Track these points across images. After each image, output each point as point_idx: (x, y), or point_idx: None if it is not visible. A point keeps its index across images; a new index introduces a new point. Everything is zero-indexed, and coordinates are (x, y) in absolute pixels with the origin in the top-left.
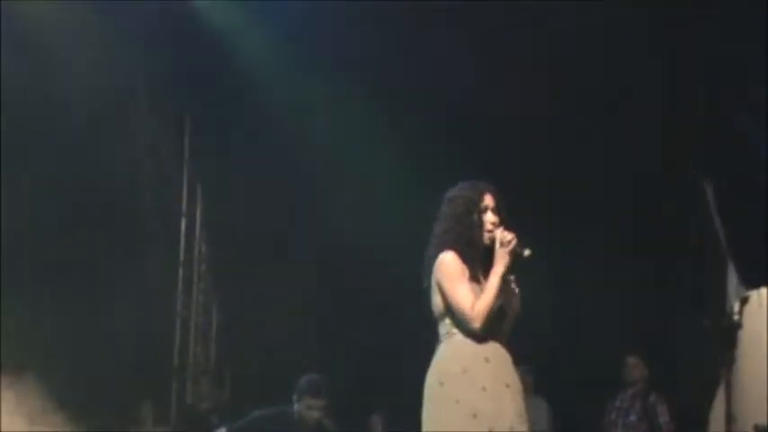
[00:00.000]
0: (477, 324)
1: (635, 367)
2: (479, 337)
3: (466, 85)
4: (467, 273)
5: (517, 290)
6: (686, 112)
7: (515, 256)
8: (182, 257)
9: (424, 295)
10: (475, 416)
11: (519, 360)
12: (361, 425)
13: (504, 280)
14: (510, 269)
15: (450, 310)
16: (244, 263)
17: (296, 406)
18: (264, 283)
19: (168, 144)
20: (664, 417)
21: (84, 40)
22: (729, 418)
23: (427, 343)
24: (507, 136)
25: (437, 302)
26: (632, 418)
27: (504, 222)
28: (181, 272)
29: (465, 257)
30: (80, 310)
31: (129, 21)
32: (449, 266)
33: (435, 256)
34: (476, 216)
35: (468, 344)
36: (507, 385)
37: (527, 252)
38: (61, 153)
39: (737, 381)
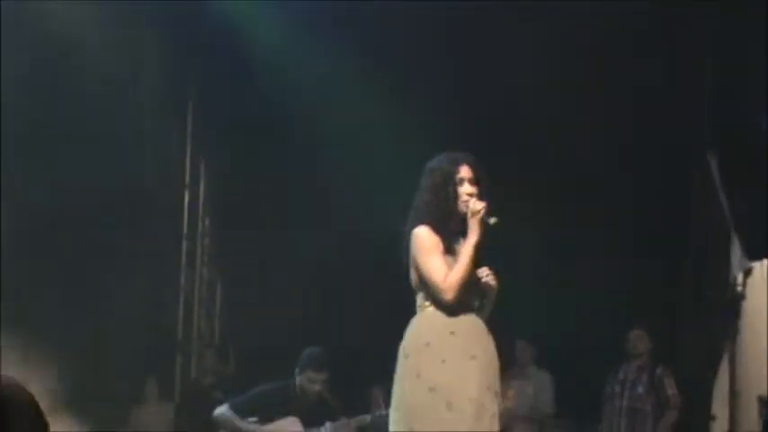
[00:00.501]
0: (449, 295)
1: (639, 339)
2: (450, 309)
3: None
4: (441, 245)
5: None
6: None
7: (485, 225)
8: (185, 231)
9: None
10: (432, 389)
11: (519, 332)
12: (362, 397)
13: (482, 256)
14: (484, 239)
15: (424, 284)
16: (247, 237)
17: (297, 379)
18: (268, 256)
19: (172, 119)
20: (671, 389)
21: (89, 22)
22: (733, 391)
23: None
24: (513, 132)
25: (413, 276)
26: (639, 390)
27: (485, 193)
28: (184, 246)
29: (440, 230)
30: (84, 286)
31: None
32: (422, 240)
33: (411, 231)
34: (451, 188)
35: (437, 316)
36: (473, 357)
37: (492, 220)
38: (65, 130)
39: (741, 353)
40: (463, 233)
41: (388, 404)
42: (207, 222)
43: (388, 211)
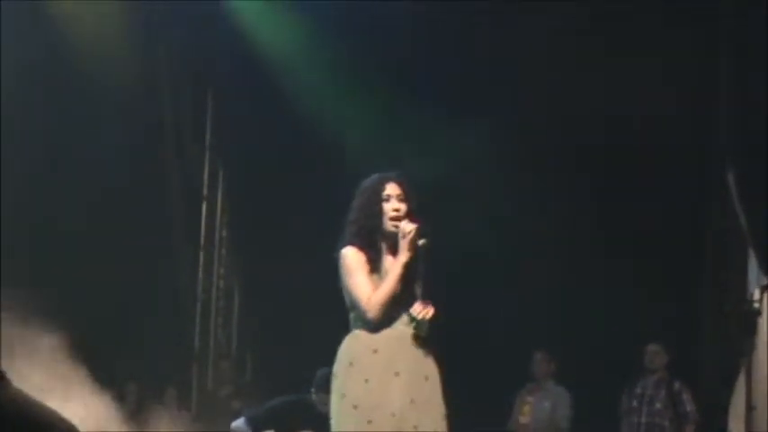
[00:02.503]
0: (371, 314)
1: (656, 354)
2: (375, 327)
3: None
4: (367, 265)
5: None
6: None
7: (415, 246)
8: (202, 242)
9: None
10: (355, 407)
11: (538, 346)
12: None
13: (413, 269)
14: (414, 259)
15: (353, 306)
16: (265, 247)
17: (313, 397)
18: (285, 267)
19: (190, 130)
20: (690, 405)
21: (106, 27)
22: (750, 405)
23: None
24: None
25: (346, 296)
26: (658, 405)
27: (414, 210)
28: (202, 256)
29: (366, 249)
30: (100, 296)
31: (153, 6)
32: (347, 261)
33: (339, 252)
34: (377, 205)
35: (361, 336)
36: (397, 374)
37: (421, 242)
38: (82, 141)
39: (757, 368)
40: (393, 251)
41: None
42: (224, 233)
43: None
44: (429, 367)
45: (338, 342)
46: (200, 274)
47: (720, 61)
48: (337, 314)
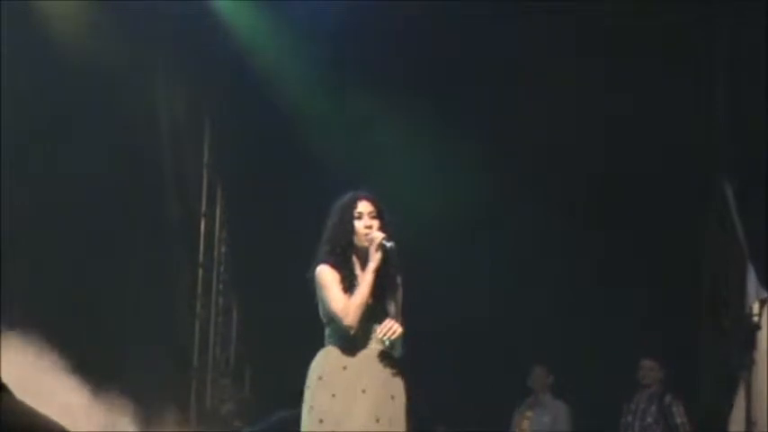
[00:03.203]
0: (349, 319)
1: (650, 369)
2: (349, 342)
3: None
4: (341, 281)
5: (399, 291)
6: (705, 113)
7: (384, 251)
8: (201, 259)
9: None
10: (321, 421)
11: (537, 360)
12: None
13: (385, 281)
14: (387, 268)
15: (330, 320)
16: (263, 264)
17: None
18: (284, 284)
19: (188, 147)
20: (680, 417)
21: (103, 44)
22: (749, 420)
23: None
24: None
25: (321, 312)
26: (649, 420)
27: (385, 227)
28: (201, 273)
29: (340, 266)
30: (99, 313)
31: (151, 22)
32: (321, 277)
33: (313, 271)
34: (349, 223)
35: (332, 352)
36: (363, 391)
37: (389, 244)
38: (81, 153)
39: (757, 382)
40: (363, 265)
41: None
42: (223, 250)
43: (410, 236)
44: (396, 387)
45: None
46: (199, 291)
47: (718, 72)
48: None
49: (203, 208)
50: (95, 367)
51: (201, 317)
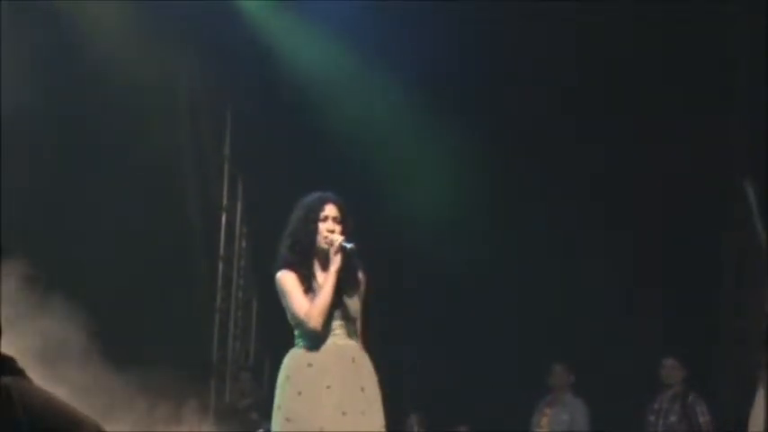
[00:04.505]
0: (312, 322)
1: (673, 368)
2: (314, 341)
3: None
4: (301, 283)
5: (361, 288)
6: (726, 114)
7: (344, 253)
8: (221, 252)
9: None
10: (288, 419)
11: (558, 357)
12: (398, 425)
13: (347, 280)
14: (349, 269)
15: (296, 323)
16: None
17: None
18: None
19: (209, 140)
20: (704, 416)
21: (127, 38)
22: None
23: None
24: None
25: (288, 316)
26: (672, 419)
27: (349, 232)
28: (221, 267)
29: (300, 268)
30: (119, 307)
31: (173, 17)
32: (282, 282)
33: (275, 275)
34: (313, 225)
35: (298, 352)
36: (328, 387)
37: (350, 246)
38: (102, 152)
39: None
40: (326, 268)
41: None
42: (243, 244)
43: (427, 236)
44: (365, 378)
45: None
46: (219, 284)
47: (739, 72)
48: None
49: (224, 201)
50: (115, 360)
51: (221, 310)
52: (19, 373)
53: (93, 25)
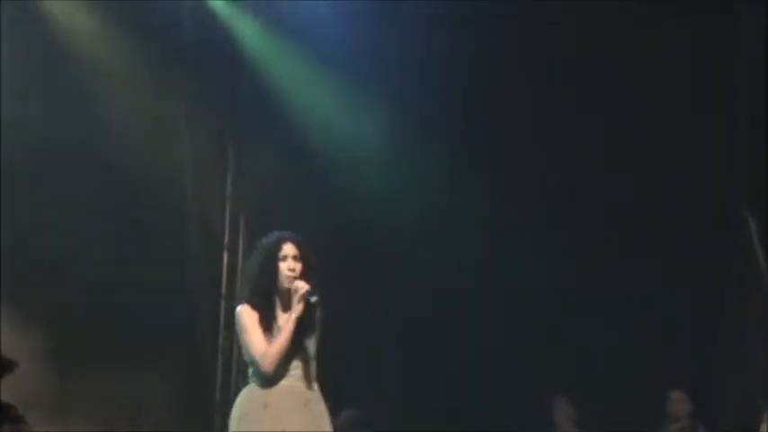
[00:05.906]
0: (265, 367)
1: (680, 401)
2: (269, 382)
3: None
4: (260, 322)
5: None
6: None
7: (307, 303)
8: (224, 292)
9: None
10: None
11: (560, 391)
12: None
13: (305, 324)
14: (306, 316)
15: (251, 362)
16: None
17: None
18: None
19: (211, 176)
20: None
21: (125, 63)
22: None
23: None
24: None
25: (243, 353)
26: None
27: (310, 270)
28: (223, 305)
29: (260, 306)
30: (119, 345)
31: (170, 44)
32: (241, 319)
33: (235, 310)
34: (273, 264)
35: (254, 390)
36: (283, 429)
37: (314, 299)
38: (100, 179)
39: None
40: (287, 308)
41: None
42: None
43: (430, 260)
44: (318, 421)
45: (362, 386)
46: (221, 323)
47: (737, 87)
48: (358, 355)
49: (226, 239)
50: (117, 400)
51: (224, 350)
52: (20, 420)
53: (88, 59)
